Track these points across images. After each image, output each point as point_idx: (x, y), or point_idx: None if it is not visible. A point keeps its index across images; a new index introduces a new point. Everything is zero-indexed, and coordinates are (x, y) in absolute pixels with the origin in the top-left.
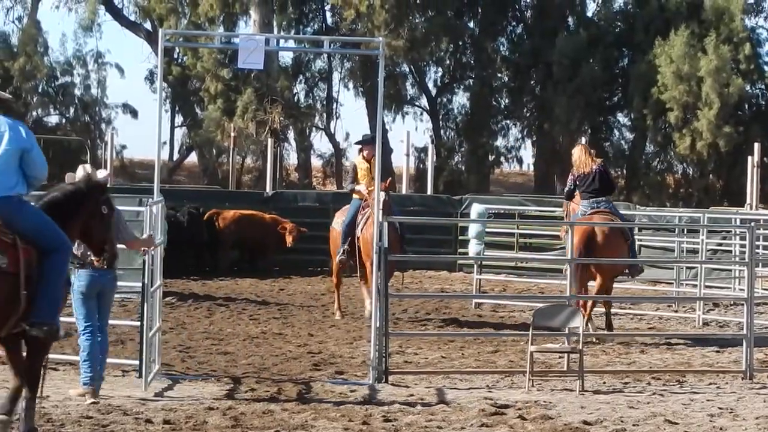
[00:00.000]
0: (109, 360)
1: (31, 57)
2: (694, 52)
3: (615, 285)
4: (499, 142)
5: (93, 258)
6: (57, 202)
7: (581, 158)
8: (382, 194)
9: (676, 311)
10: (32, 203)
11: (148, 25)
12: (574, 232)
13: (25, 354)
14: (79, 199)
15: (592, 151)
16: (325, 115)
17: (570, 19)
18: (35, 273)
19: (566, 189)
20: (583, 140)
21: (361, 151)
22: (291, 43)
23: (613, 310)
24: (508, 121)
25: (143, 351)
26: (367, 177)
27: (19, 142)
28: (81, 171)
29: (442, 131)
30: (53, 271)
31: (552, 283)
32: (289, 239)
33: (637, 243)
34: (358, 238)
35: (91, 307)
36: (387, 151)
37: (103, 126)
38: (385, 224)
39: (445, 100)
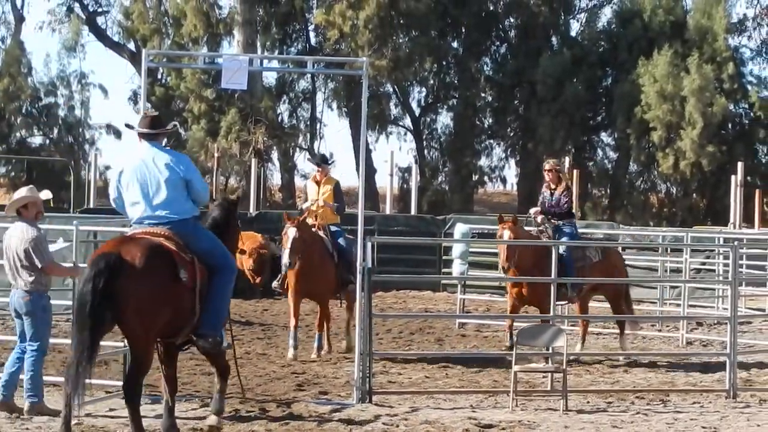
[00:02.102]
0: (92, 381)
1: (15, 78)
2: (677, 71)
3: (600, 304)
4: (483, 161)
5: None
6: (218, 222)
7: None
8: (293, 230)
9: (659, 330)
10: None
11: (131, 46)
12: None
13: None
14: (229, 216)
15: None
16: (308, 135)
17: (554, 39)
18: (206, 289)
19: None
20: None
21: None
22: (275, 64)
23: (596, 330)
24: (491, 141)
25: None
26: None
27: (182, 173)
28: (24, 191)
29: (425, 151)
30: (221, 287)
31: None
32: (248, 263)
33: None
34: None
35: (19, 326)
36: (371, 171)
37: (87, 147)
38: (368, 245)
39: (428, 119)
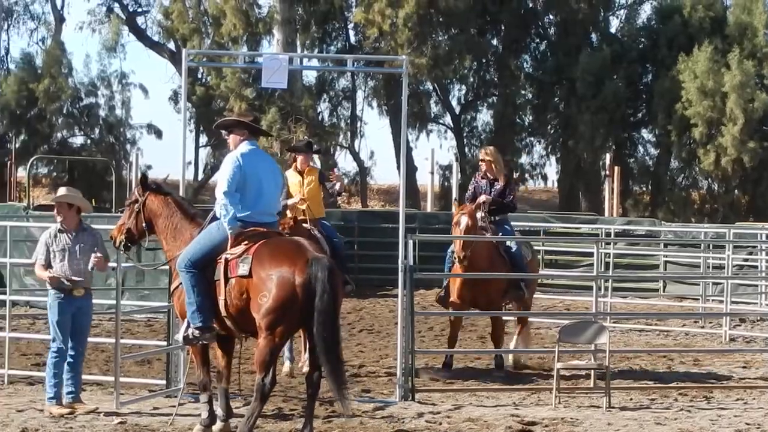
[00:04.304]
0: (135, 380)
1: (56, 78)
2: (717, 67)
3: (642, 301)
4: (524, 159)
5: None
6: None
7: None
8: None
9: (702, 327)
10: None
11: (171, 46)
12: None
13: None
14: None
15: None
16: (349, 133)
17: (593, 36)
18: None
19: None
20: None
21: (294, 161)
22: (314, 62)
23: (639, 326)
24: (532, 138)
25: (170, 370)
26: (300, 191)
27: (282, 178)
28: (63, 190)
29: (466, 149)
30: None
31: (578, 299)
32: None
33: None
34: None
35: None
36: (412, 169)
37: (128, 146)
38: (410, 243)
39: (469, 117)
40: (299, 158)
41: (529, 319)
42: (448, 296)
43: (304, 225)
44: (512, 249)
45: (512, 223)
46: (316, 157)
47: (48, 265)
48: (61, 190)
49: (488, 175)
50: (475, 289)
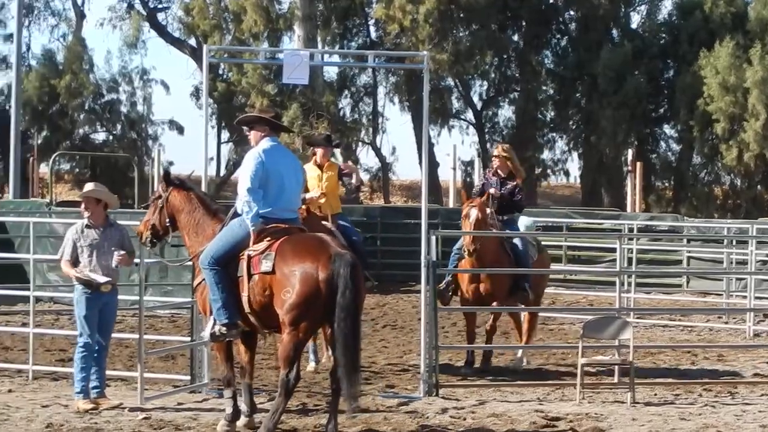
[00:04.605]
0: (159, 375)
1: (77, 74)
2: (739, 63)
3: (666, 297)
4: (546, 154)
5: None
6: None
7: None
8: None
9: (726, 323)
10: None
11: (192, 42)
12: None
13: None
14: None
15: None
16: (371, 129)
17: (614, 32)
18: None
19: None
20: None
21: (313, 154)
22: (335, 58)
23: (663, 322)
24: (554, 134)
25: (194, 366)
26: (319, 185)
27: (302, 174)
28: (91, 185)
29: (488, 144)
30: None
31: (601, 295)
32: None
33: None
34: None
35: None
36: (434, 164)
37: (150, 142)
38: (432, 238)
39: (490, 113)
40: (319, 152)
41: (546, 316)
42: (448, 291)
43: (324, 222)
44: (518, 247)
45: (534, 219)
46: (337, 151)
47: (74, 262)
48: (89, 186)
49: (499, 172)
50: (483, 285)
